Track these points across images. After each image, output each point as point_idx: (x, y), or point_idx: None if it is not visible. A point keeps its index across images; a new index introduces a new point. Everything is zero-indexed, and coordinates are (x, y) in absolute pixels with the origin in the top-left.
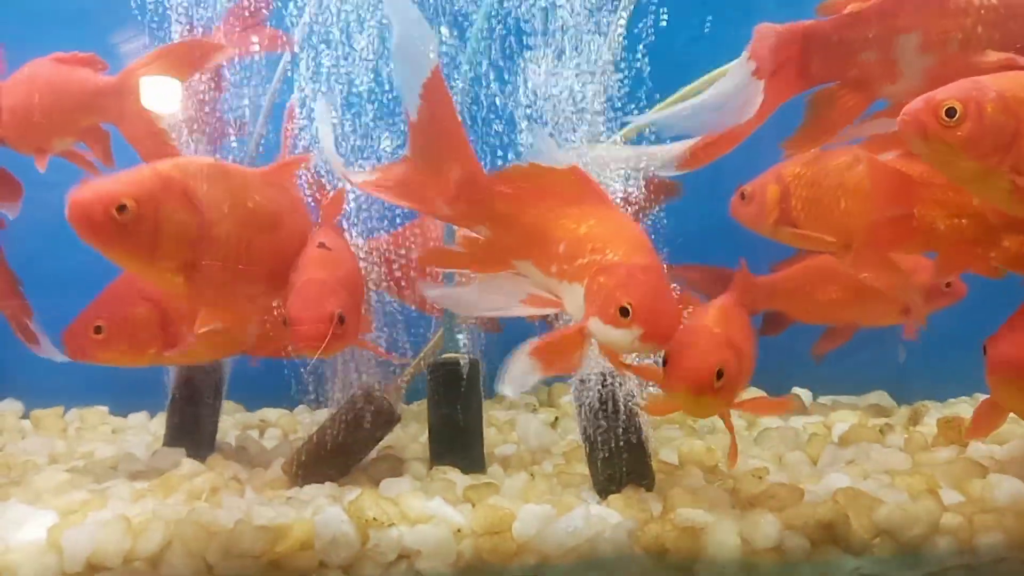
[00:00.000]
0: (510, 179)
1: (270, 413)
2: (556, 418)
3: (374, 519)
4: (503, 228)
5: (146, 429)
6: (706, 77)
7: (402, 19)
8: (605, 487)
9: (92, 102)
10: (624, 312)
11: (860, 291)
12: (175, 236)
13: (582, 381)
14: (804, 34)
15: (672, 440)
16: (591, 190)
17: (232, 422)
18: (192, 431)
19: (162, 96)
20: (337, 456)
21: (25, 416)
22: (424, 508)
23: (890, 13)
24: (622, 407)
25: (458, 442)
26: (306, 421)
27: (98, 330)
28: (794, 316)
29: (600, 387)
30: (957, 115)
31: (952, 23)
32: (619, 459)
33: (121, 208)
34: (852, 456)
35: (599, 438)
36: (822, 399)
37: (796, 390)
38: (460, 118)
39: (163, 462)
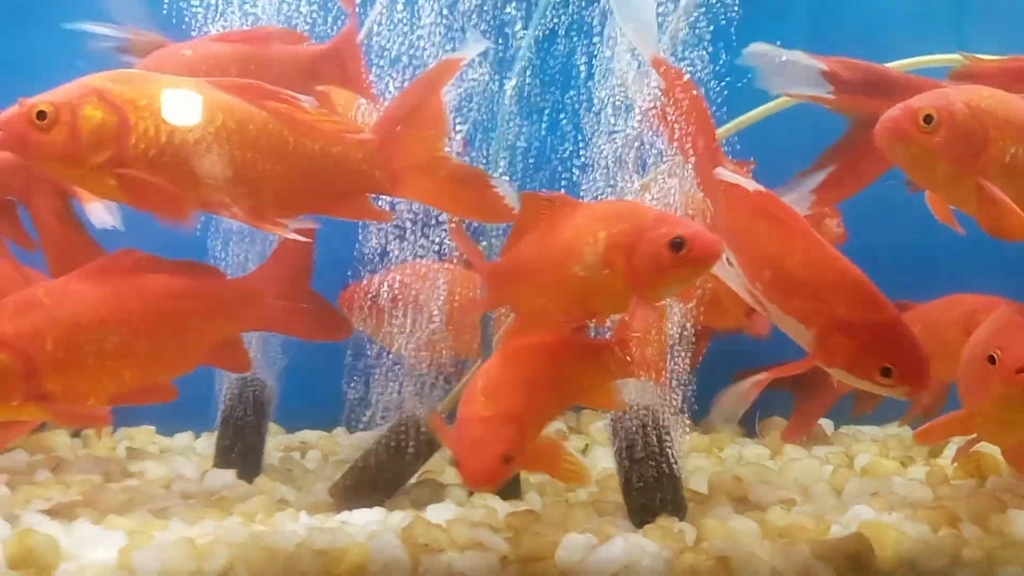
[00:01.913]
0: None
1: (309, 435)
2: (587, 445)
3: (426, 545)
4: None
5: (192, 449)
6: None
7: None
8: (640, 516)
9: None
10: (886, 372)
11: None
12: (94, 134)
13: (616, 412)
14: None
15: (701, 469)
16: (785, 214)
17: (273, 444)
18: (241, 453)
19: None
20: (381, 481)
21: (76, 435)
22: (472, 535)
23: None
24: (657, 438)
25: None
26: (344, 443)
27: None
28: None
29: (636, 418)
30: (934, 121)
31: None
32: (654, 489)
33: (40, 114)
34: (875, 488)
35: (635, 468)
36: (843, 429)
37: (820, 421)
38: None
39: (214, 483)
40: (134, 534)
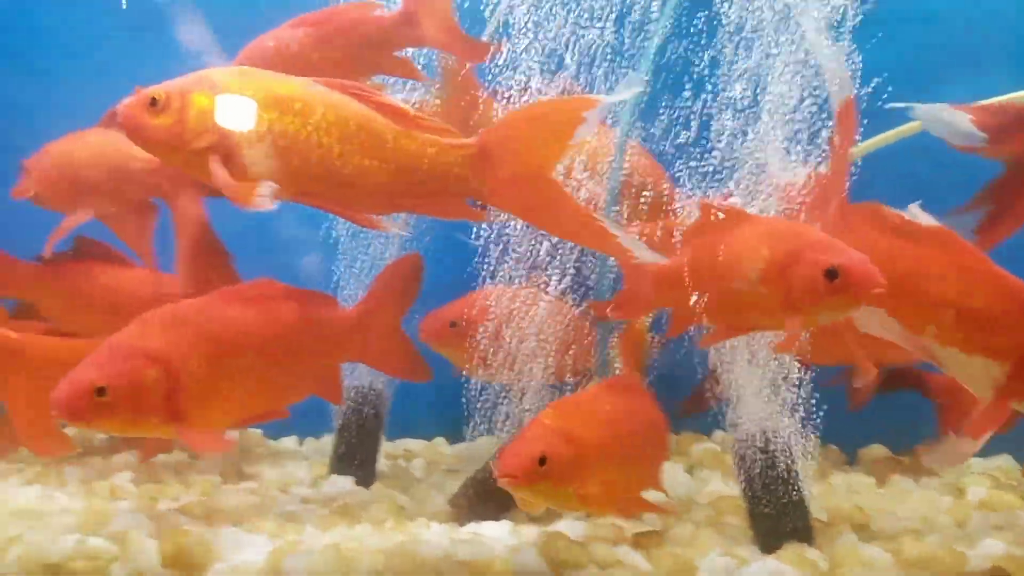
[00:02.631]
0: (867, 219)
1: (411, 443)
2: (691, 467)
3: (566, 561)
4: None
5: (300, 453)
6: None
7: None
8: (767, 542)
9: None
10: None
11: None
12: (199, 120)
13: (742, 438)
14: None
15: (814, 497)
16: (967, 253)
17: None
18: (358, 460)
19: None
20: (501, 493)
21: None
22: (611, 553)
23: None
24: (784, 463)
25: None
26: (448, 453)
27: (101, 392)
28: None
29: (762, 444)
30: None
31: None
32: (782, 515)
33: (153, 101)
34: (999, 521)
35: (762, 493)
36: None
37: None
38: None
39: (332, 489)
40: (276, 538)
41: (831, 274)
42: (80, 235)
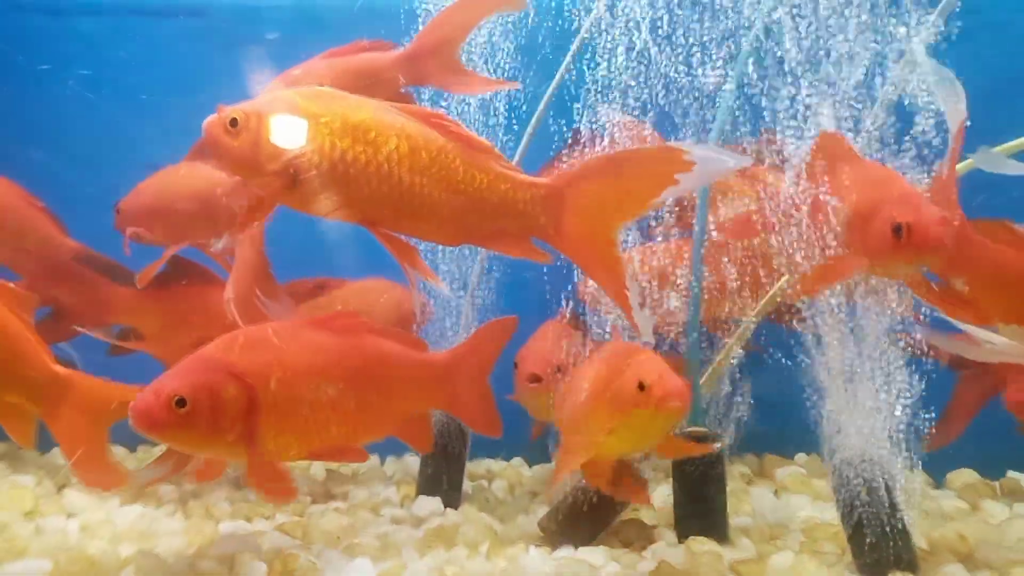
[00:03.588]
0: (996, 235)
1: (491, 464)
2: (776, 491)
3: None
4: (988, 285)
5: (383, 473)
6: None
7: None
8: (872, 571)
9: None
10: None
11: None
12: (273, 142)
13: (839, 467)
14: None
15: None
16: None
17: None
18: (445, 481)
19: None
20: (592, 518)
21: None
22: None
23: None
24: (886, 490)
25: (704, 512)
26: (528, 475)
27: (180, 403)
28: None
29: (863, 472)
30: None
31: None
32: (886, 544)
33: (233, 122)
34: None
35: (864, 522)
36: None
37: (1012, 475)
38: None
39: (421, 510)
40: (379, 561)
41: (897, 230)
42: (175, 256)
